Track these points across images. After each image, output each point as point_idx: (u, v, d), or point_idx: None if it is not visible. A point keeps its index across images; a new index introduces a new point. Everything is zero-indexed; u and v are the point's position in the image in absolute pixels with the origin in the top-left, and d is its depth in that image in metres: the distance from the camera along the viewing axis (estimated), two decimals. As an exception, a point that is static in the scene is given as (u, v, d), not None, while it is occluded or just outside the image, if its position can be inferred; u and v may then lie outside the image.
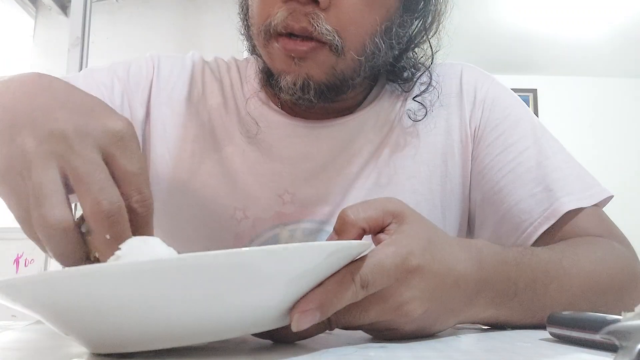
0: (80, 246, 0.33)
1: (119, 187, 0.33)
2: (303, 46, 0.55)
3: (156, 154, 0.66)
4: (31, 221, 0.32)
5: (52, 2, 2.41)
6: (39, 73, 0.41)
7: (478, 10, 2.87)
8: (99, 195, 0.32)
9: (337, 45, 0.55)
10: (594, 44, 3.26)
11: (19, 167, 0.33)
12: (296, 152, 0.65)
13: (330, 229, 0.63)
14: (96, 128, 0.34)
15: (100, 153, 0.33)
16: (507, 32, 3.13)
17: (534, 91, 3.69)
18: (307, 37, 0.54)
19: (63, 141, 0.32)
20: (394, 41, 0.60)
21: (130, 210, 0.34)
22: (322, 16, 0.54)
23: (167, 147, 0.66)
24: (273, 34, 0.55)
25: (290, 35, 0.55)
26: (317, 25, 0.53)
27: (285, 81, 0.56)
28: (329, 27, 0.54)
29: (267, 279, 0.30)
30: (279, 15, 0.54)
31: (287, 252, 0.30)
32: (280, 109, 0.67)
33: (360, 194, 0.63)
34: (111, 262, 0.32)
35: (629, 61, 3.47)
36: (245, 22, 0.63)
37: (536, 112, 3.55)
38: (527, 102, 3.60)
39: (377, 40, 0.58)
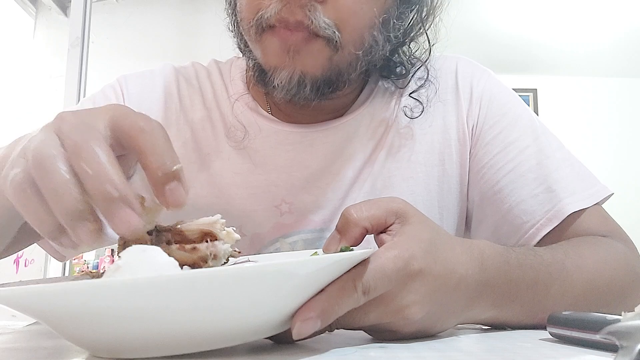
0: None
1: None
2: (298, 35, 0.51)
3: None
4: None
5: (52, 2, 2.41)
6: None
7: (479, 10, 2.87)
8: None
9: (335, 41, 0.52)
10: (594, 44, 3.25)
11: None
12: (290, 160, 0.62)
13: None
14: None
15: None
16: (508, 33, 3.13)
17: (534, 91, 3.69)
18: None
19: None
20: (391, 34, 0.58)
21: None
22: (319, 8, 0.50)
23: None
24: (265, 28, 0.52)
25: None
26: (314, 18, 0.50)
27: (280, 78, 0.53)
28: (327, 20, 0.50)
29: (269, 293, 0.30)
30: (272, 8, 0.50)
31: (290, 267, 0.30)
32: (269, 114, 0.64)
33: (358, 197, 0.62)
34: (111, 272, 0.32)
35: (629, 61, 3.47)
36: (233, 18, 0.59)
37: (536, 112, 3.52)
38: (527, 102, 3.57)
39: (376, 34, 0.55)
